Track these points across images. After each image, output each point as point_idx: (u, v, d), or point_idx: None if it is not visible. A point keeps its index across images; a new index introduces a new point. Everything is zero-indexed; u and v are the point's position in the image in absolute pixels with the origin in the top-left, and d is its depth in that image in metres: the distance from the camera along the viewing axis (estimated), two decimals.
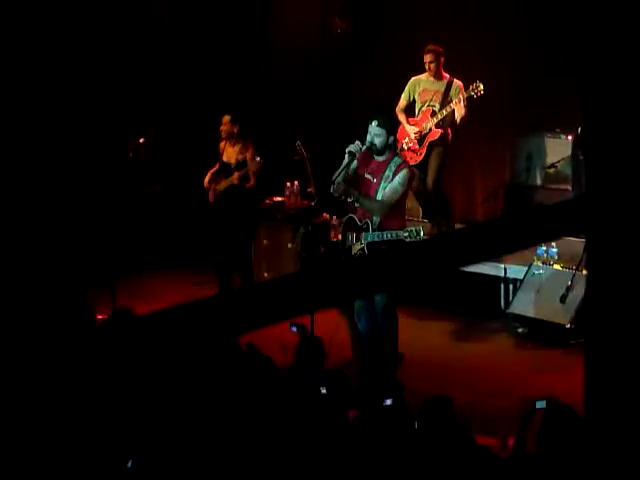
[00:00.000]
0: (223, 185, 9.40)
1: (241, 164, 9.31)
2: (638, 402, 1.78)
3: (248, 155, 9.30)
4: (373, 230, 7.21)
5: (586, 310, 1.98)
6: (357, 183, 7.40)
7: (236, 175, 9.29)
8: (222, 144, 9.46)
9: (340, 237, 7.64)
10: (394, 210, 7.28)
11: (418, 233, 6.97)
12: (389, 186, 7.21)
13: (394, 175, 7.21)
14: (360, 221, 7.30)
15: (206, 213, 9.62)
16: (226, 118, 9.37)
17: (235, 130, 9.33)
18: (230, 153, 9.41)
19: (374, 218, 7.24)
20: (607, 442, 1.79)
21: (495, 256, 6.90)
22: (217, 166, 9.49)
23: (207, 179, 9.50)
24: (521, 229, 2.02)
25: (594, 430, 1.82)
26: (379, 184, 7.25)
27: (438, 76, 9.35)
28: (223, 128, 9.37)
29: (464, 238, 2.08)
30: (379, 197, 7.23)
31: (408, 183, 7.36)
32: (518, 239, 2.06)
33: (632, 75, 1.76)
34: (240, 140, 9.37)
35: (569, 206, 2.21)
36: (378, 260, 2.11)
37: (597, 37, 1.81)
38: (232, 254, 9.54)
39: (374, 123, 7.21)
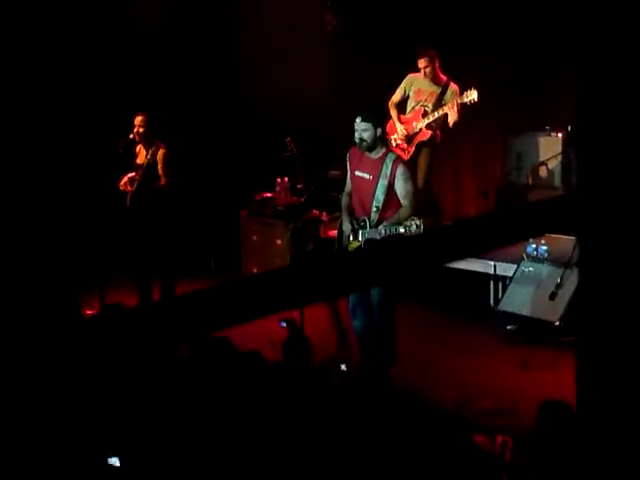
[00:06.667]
0: (134, 186, 8.70)
1: (151, 165, 8.64)
2: (631, 399, 1.77)
3: (159, 154, 8.61)
4: (371, 227, 7.13)
5: (578, 308, 1.97)
6: (351, 183, 7.37)
7: (140, 172, 8.65)
8: (138, 147, 8.77)
9: (334, 233, 7.59)
10: (390, 201, 7.15)
11: (418, 227, 6.85)
12: (399, 189, 7.07)
13: (392, 173, 7.06)
14: (357, 220, 7.22)
15: (122, 218, 8.86)
16: (138, 119, 8.60)
17: (142, 130, 8.58)
18: (143, 155, 8.73)
19: (372, 215, 7.15)
20: (601, 439, 1.78)
21: (483, 250, 6.87)
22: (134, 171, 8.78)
23: (122, 182, 8.73)
24: (510, 223, 2.01)
25: (587, 427, 1.81)
26: (376, 182, 7.11)
27: (435, 79, 9.34)
28: (135, 130, 8.61)
29: (452, 233, 2.06)
30: (378, 194, 7.11)
31: (410, 173, 7.25)
32: (506, 233, 2.05)
33: (628, 70, 1.75)
34: (153, 141, 8.66)
35: (559, 201, 2.20)
36: (365, 255, 2.10)
37: (592, 33, 1.79)
38: (148, 259, 8.80)
39: (358, 119, 7.12)
